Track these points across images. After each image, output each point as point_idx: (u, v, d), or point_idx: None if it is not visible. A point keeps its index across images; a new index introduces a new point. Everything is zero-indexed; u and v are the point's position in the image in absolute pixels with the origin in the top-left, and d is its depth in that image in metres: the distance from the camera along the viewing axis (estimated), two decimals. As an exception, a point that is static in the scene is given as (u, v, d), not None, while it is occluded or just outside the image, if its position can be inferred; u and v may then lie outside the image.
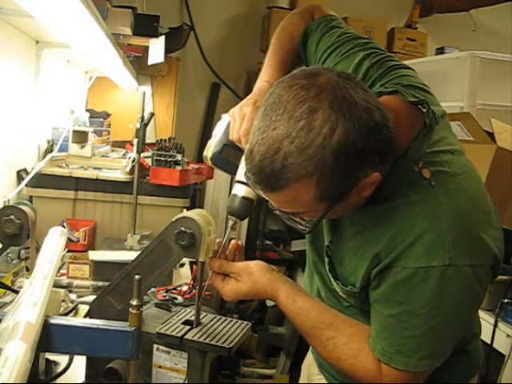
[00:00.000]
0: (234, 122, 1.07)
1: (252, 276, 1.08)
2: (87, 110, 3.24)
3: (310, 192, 0.87)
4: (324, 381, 1.27)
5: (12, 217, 1.16)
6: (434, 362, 0.98)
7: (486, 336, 1.82)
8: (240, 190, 1.09)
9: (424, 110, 0.97)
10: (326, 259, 1.11)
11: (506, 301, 1.82)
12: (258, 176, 0.89)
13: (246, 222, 4.07)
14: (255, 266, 1.10)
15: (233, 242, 1.13)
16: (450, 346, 0.99)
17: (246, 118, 1.04)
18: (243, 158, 0.99)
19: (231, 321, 1.22)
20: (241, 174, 1.07)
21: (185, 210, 2.20)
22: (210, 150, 1.13)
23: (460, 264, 0.91)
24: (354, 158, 0.85)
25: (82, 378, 1.17)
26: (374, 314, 1.01)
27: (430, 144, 0.98)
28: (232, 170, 1.11)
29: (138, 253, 1.19)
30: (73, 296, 1.72)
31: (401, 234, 0.94)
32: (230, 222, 1.13)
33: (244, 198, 1.08)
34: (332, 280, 1.10)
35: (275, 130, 0.85)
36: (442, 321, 0.94)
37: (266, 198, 0.94)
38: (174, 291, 1.75)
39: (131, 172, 2.36)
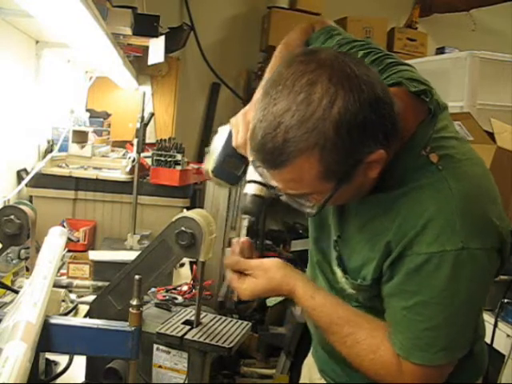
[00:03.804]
0: (238, 129, 1.07)
1: (267, 272, 1.06)
2: (87, 110, 3.24)
3: (313, 168, 0.86)
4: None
5: (12, 217, 1.16)
6: (451, 354, 0.96)
7: (485, 336, 1.82)
8: (250, 189, 1.08)
9: (427, 99, 0.98)
10: (335, 253, 1.09)
11: (506, 301, 1.82)
12: (261, 153, 0.88)
13: (245, 220, 4.07)
14: (270, 262, 1.08)
15: (244, 239, 1.10)
16: (465, 338, 0.98)
17: (250, 124, 1.05)
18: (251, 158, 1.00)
19: (231, 321, 1.22)
20: (250, 174, 1.07)
21: (185, 210, 2.20)
22: (210, 162, 1.13)
23: (473, 247, 0.90)
24: (355, 130, 0.84)
25: (82, 378, 1.17)
26: (388, 309, 1.00)
27: (436, 131, 0.98)
28: (233, 181, 1.12)
29: (138, 253, 1.19)
30: (73, 296, 1.72)
31: (410, 221, 0.93)
32: (245, 222, 1.12)
33: (255, 195, 1.08)
34: (339, 277, 1.08)
35: (275, 106, 0.85)
36: (456, 310, 0.93)
37: (273, 183, 0.93)
38: (174, 291, 1.75)
39: (131, 172, 2.36)
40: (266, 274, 1.06)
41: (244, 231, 1.13)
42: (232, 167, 1.11)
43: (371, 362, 1.00)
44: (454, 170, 0.95)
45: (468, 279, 0.91)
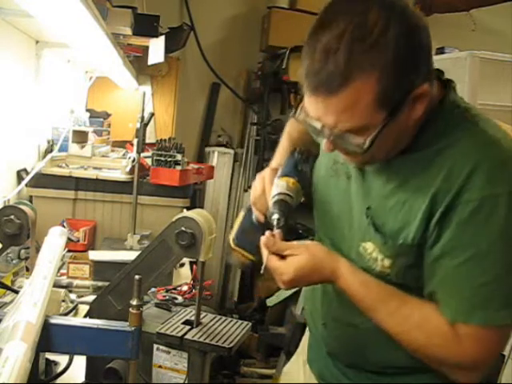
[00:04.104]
0: (255, 186, 1.15)
1: (309, 249, 1.01)
2: (87, 110, 3.24)
3: (371, 91, 0.85)
4: None
5: (12, 217, 1.16)
6: None
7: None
8: (277, 196, 1.10)
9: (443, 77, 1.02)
10: (367, 220, 1.03)
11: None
12: (318, 77, 0.87)
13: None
14: (310, 242, 1.05)
15: (278, 231, 1.05)
16: None
17: (265, 180, 1.13)
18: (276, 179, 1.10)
19: (231, 321, 1.22)
20: (274, 191, 1.10)
21: (185, 210, 2.20)
22: (232, 232, 1.19)
23: None
24: (410, 55, 0.86)
25: (82, 378, 1.17)
26: (437, 276, 0.95)
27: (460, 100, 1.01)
28: (253, 250, 1.13)
29: (138, 253, 1.19)
30: (73, 296, 1.72)
31: (455, 171, 0.91)
32: (275, 221, 1.08)
33: (281, 200, 1.09)
34: (370, 252, 1.02)
35: (332, 31, 0.85)
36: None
37: (323, 121, 0.91)
38: (174, 291, 1.75)
39: (131, 172, 2.36)
40: (308, 250, 1.01)
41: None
42: (252, 237, 1.13)
43: (424, 333, 0.96)
44: (488, 123, 0.97)
45: None
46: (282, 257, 1.01)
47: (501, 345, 0.97)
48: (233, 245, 1.17)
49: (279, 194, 1.09)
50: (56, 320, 0.96)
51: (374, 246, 1.01)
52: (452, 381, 1.00)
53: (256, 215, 1.15)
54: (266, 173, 1.16)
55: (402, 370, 1.09)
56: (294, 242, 1.03)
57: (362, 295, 1.00)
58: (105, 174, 2.42)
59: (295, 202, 1.10)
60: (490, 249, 0.90)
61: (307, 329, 1.39)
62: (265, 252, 1.03)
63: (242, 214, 1.21)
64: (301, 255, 1.00)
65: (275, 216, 1.06)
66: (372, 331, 1.05)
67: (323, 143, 0.99)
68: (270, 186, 1.12)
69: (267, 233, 1.04)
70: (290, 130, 1.35)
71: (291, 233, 1.10)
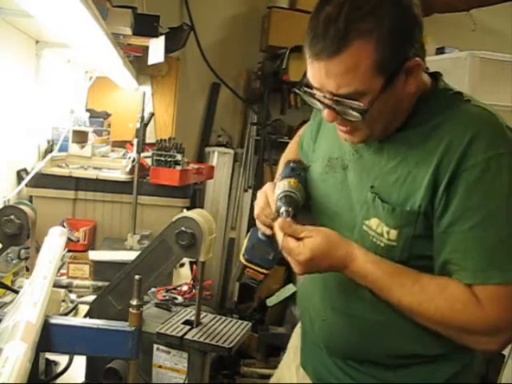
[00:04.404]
0: (258, 202, 1.18)
1: (324, 231, 1.04)
2: (87, 110, 3.24)
3: (369, 55, 0.92)
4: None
5: (12, 217, 1.16)
6: None
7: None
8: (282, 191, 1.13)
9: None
10: (372, 196, 1.05)
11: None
12: (321, 43, 0.94)
13: (245, 220, 4.07)
14: (323, 228, 1.06)
15: (289, 219, 1.08)
16: None
17: (267, 192, 1.17)
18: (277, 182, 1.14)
19: (231, 321, 1.22)
20: (277, 192, 1.13)
21: (185, 210, 2.20)
22: (242, 250, 1.20)
23: None
24: (404, 24, 0.94)
25: (82, 378, 1.17)
26: (450, 243, 0.97)
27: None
28: (266, 264, 1.15)
29: (138, 253, 1.19)
30: (73, 296, 1.72)
31: (455, 141, 0.96)
32: (284, 213, 1.09)
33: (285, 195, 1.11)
34: (375, 228, 1.04)
35: (333, 3, 0.93)
36: None
37: (321, 93, 0.98)
38: (173, 291, 1.75)
39: (131, 172, 2.36)
40: (323, 232, 1.03)
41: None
42: (262, 251, 1.16)
43: (446, 301, 0.97)
44: (480, 102, 1.02)
45: None
46: (298, 240, 1.03)
47: None
48: (243, 261, 1.17)
49: (283, 191, 1.11)
50: (56, 320, 0.96)
51: (379, 220, 1.03)
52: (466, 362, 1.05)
53: (262, 230, 1.17)
54: (266, 187, 1.19)
55: (404, 361, 1.09)
56: (308, 226, 1.05)
57: (378, 274, 1.01)
58: (105, 174, 2.42)
59: (300, 199, 1.11)
60: (499, 208, 0.93)
61: (295, 335, 1.39)
62: (280, 235, 1.04)
63: (250, 232, 1.23)
64: (316, 237, 1.02)
65: (283, 209, 1.08)
66: (375, 320, 1.07)
67: (324, 113, 1.02)
68: (273, 195, 1.14)
69: (279, 220, 1.06)
70: (286, 154, 1.42)
71: (297, 215, 1.11)
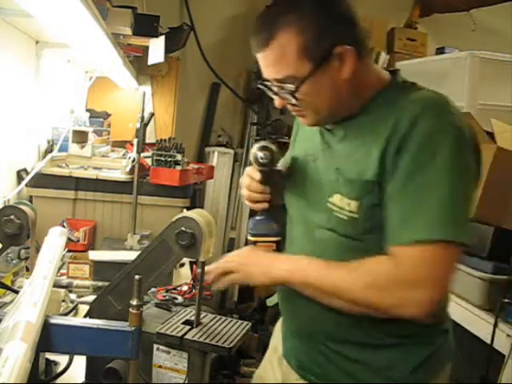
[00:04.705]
0: (244, 181, 1.27)
1: (239, 252, 1.22)
2: (87, 110, 3.24)
3: (292, 44, 1.05)
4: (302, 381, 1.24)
5: (12, 217, 1.16)
6: (467, 230, 1.02)
7: (486, 336, 1.82)
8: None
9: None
10: (335, 176, 1.13)
11: (506, 301, 1.82)
12: (256, 37, 1.09)
13: (245, 220, 4.07)
14: (239, 251, 1.23)
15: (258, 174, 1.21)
16: (467, 219, 1.03)
17: (249, 171, 1.25)
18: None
19: (231, 321, 1.22)
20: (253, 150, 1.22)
21: (185, 210, 2.20)
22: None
23: (462, 126, 1.05)
24: (324, 15, 1.06)
25: (82, 378, 1.17)
26: (399, 201, 1.03)
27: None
28: (271, 233, 1.22)
29: (138, 253, 1.19)
30: (73, 296, 1.72)
31: (405, 115, 1.04)
32: (260, 160, 1.20)
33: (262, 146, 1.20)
34: (338, 203, 1.11)
35: (268, 8, 1.12)
36: (458, 178, 1.01)
37: (266, 76, 1.11)
38: (173, 291, 1.75)
39: (131, 172, 2.36)
40: (238, 253, 1.21)
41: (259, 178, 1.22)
42: (265, 226, 1.23)
43: (363, 271, 1.05)
44: (433, 91, 1.11)
45: (465, 155, 1.03)
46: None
47: (451, 263, 1.02)
48: (251, 238, 1.22)
49: (260, 144, 1.21)
50: (56, 320, 0.96)
51: (341, 195, 1.11)
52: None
53: (255, 207, 1.24)
54: (247, 169, 1.27)
55: (382, 341, 1.12)
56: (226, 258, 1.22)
57: (311, 272, 1.09)
58: (105, 174, 2.42)
59: (276, 156, 1.20)
60: (437, 176, 1.00)
61: (276, 331, 1.42)
62: (246, 179, 1.24)
63: (249, 220, 1.29)
64: (234, 259, 1.20)
65: (259, 155, 1.18)
66: None
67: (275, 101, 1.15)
68: (255, 172, 1.22)
69: (248, 172, 1.23)
70: None
71: (275, 182, 1.22)
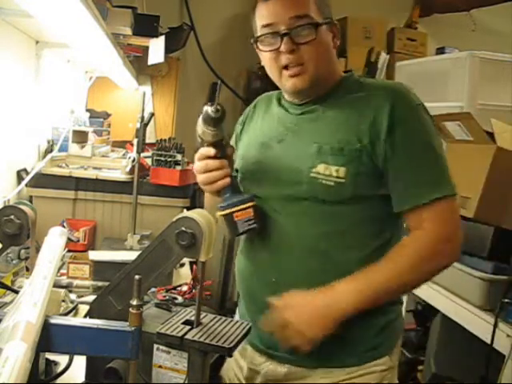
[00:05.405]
0: (196, 163, 1.27)
1: (293, 302, 1.18)
2: (87, 110, 3.24)
3: None
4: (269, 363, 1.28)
5: (12, 217, 1.15)
6: (453, 188, 1.17)
7: (485, 336, 1.82)
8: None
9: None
10: (316, 147, 1.20)
11: (506, 301, 1.82)
12: None
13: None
14: (287, 297, 1.18)
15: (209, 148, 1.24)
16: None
17: (199, 151, 1.26)
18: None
19: (231, 321, 1.22)
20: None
21: (185, 210, 2.20)
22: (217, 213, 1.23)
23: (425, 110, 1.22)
24: None
25: (82, 378, 1.17)
26: (400, 171, 1.17)
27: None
28: (243, 200, 1.21)
29: (138, 253, 1.19)
30: (73, 296, 1.72)
31: (382, 95, 1.19)
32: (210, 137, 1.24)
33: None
34: (323, 171, 1.18)
35: None
36: (440, 145, 1.22)
37: (274, 21, 1.19)
38: (174, 291, 1.75)
39: (131, 172, 2.36)
40: (292, 306, 1.17)
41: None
42: (232, 198, 1.21)
43: (408, 251, 1.16)
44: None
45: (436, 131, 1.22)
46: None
47: (458, 212, 1.23)
48: (223, 213, 1.20)
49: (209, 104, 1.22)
50: (56, 320, 0.96)
51: (326, 164, 1.18)
52: None
53: (218, 185, 1.22)
54: (198, 152, 1.27)
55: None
56: (278, 306, 1.18)
57: (384, 277, 1.15)
58: (105, 174, 2.42)
59: (225, 113, 1.22)
60: (430, 142, 1.18)
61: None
62: (203, 162, 1.23)
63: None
64: (290, 313, 1.17)
65: (210, 109, 1.22)
66: (324, 269, 1.20)
67: (282, 46, 1.19)
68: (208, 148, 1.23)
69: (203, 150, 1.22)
70: None
71: (229, 155, 1.23)
